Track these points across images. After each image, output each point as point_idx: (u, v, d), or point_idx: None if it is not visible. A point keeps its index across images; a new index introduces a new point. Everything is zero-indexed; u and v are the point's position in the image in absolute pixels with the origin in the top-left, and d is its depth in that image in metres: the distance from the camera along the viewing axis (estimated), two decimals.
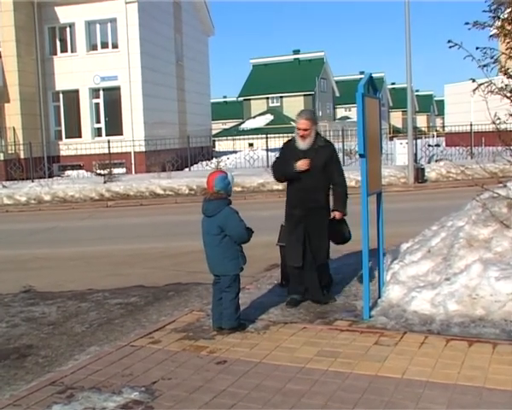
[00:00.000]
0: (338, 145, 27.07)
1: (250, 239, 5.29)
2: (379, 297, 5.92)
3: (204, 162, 27.37)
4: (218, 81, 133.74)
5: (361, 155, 5.24)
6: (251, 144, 36.95)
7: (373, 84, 5.70)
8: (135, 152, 26.61)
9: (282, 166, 5.87)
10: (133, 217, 15.98)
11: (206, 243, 5.37)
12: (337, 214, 5.89)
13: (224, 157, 28.58)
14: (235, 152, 31.45)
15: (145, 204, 18.94)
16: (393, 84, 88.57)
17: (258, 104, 65.08)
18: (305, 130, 5.69)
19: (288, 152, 5.89)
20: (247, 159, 26.46)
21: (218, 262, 5.31)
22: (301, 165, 5.70)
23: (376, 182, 5.71)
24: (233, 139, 35.56)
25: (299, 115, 5.76)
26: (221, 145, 37.30)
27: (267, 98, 65.68)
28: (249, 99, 66.83)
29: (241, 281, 5.44)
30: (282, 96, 64.85)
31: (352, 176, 19.73)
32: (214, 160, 27.69)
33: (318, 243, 5.94)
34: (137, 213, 16.75)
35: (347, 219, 6.11)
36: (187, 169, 26.29)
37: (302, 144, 5.74)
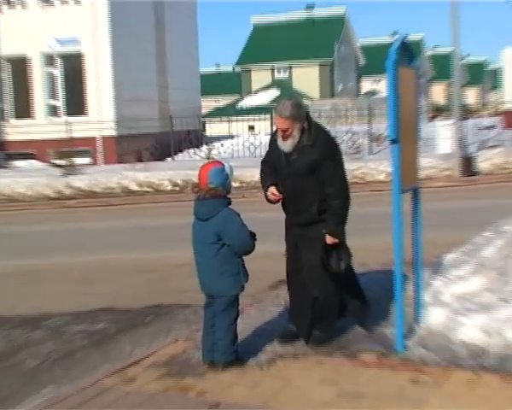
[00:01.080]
0: (362, 128, 26.88)
1: (254, 249, 5.31)
2: (416, 323, 5.87)
3: (191, 150, 27.34)
4: (209, 46, 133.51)
5: (392, 141, 5.23)
6: (251, 127, 36.77)
7: (409, 50, 5.67)
8: (103, 137, 26.63)
9: (264, 179, 5.95)
10: (100, 220, 15.97)
11: (199, 253, 5.37)
12: (327, 239, 5.63)
13: (218, 144, 28.40)
14: (231, 137, 31.25)
15: (116, 204, 18.89)
16: (435, 48, 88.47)
17: (260, 76, 64.83)
18: (285, 130, 5.70)
19: (274, 149, 5.92)
20: (247, 146, 26.44)
21: (212, 279, 5.31)
22: (272, 197, 5.81)
23: (412, 175, 5.70)
24: (228, 121, 35.16)
25: (277, 112, 5.72)
26: (213, 128, 37.07)
27: (272, 68, 65.42)
28: (249, 69, 66.60)
29: (239, 302, 5.42)
30: (291, 66, 64.57)
31: (381, 167, 19.55)
32: (205, 147, 27.64)
33: (308, 267, 5.79)
34: (106, 216, 16.74)
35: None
36: (169, 159, 26.36)
37: (283, 145, 5.78)
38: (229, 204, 5.36)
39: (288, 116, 5.64)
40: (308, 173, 5.65)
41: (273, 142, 5.95)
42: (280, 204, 5.99)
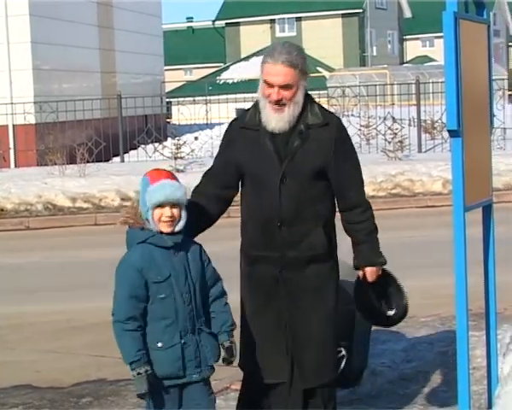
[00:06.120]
0: (410, 112, 23.74)
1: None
2: (489, 408, 4.99)
3: (150, 146, 24.10)
4: None
5: (453, 133, 4.57)
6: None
7: None
8: (16, 126, 23.52)
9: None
10: (12, 253, 14.25)
11: None
12: (369, 272, 4.41)
13: (189, 136, 26.25)
14: (209, 126, 28.42)
15: (36, 227, 17.07)
16: None
17: (254, 33, 56.31)
18: (286, 87, 4.19)
19: (244, 142, 4.44)
20: None
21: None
22: None
23: (482, 184, 5.15)
24: (206, 101, 31.00)
25: (272, 57, 4.22)
26: (183, 113, 31.39)
27: (271, 22, 57.64)
28: (237, 23, 58.73)
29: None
30: (299, 18, 56.87)
31: (436, 172, 18.40)
32: (170, 141, 24.29)
33: (312, 343, 4.35)
34: (21, 246, 15.16)
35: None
36: (117, 159, 23.73)
37: (275, 121, 4.24)
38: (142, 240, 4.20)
39: (294, 63, 4.20)
40: (319, 171, 4.32)
41: (241, 132, 4.45)
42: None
